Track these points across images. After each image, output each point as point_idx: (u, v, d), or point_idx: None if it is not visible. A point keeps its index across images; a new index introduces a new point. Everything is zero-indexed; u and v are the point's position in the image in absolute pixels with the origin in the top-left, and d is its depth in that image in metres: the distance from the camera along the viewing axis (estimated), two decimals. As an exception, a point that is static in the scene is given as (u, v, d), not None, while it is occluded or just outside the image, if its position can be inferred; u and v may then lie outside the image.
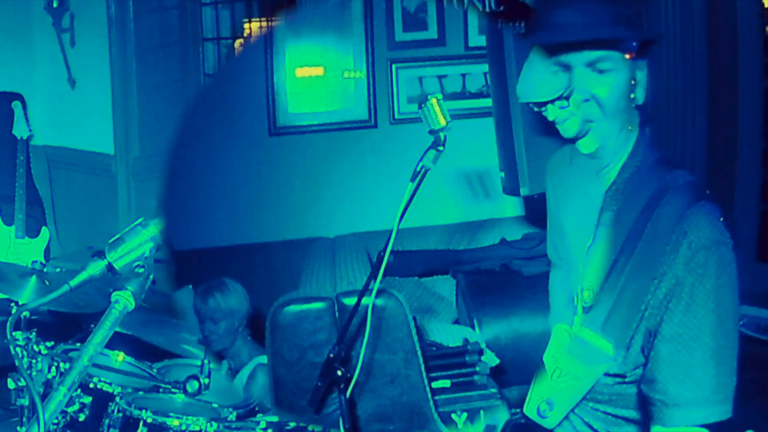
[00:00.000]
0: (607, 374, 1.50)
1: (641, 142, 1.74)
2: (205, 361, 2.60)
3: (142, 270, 1.20)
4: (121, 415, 2.43)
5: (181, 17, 4.54)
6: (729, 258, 1.36)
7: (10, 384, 2.57)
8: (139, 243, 1.19)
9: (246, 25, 4.69)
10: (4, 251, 4.45)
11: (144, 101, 4.49)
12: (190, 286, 3.72)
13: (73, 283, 1.20)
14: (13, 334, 2.19)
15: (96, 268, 1.19)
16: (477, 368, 3.46)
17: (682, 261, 1.36)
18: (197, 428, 2.32)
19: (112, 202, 4.56)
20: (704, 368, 1.34)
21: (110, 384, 2.59)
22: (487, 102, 3.99)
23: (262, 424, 2.43)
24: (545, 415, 1.63)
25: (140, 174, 4.49)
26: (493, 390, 3.33)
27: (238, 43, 4.64)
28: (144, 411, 2.37)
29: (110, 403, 2.51)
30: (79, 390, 2.48)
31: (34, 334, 2.62)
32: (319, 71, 4.44)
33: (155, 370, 2.86)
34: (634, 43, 1.61)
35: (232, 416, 2.52)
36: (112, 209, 4.58)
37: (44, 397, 1.32)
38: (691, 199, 1.44)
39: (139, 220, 1.22)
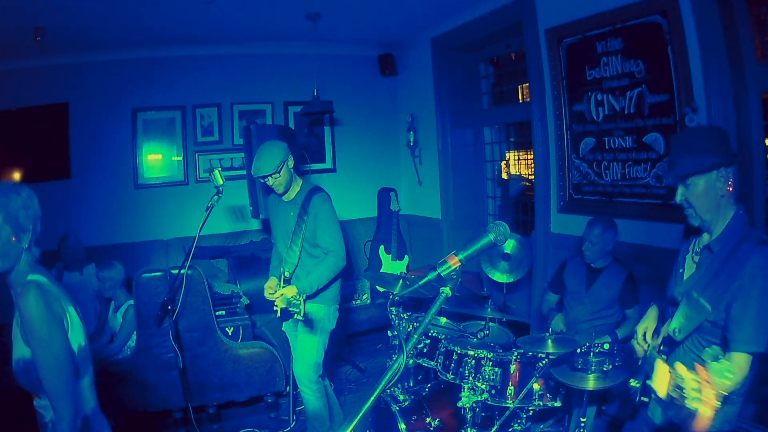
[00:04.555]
0: (707, 321, 2.04)
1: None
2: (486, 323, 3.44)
3: (454, 276, 1.44)
4: (444, 348, 3.21)
5: (475, 149, 6.19)
6: None
7: (390, 333, 3.74)
8: (450, 265, 1.45)
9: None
10: (386, 267, 6.07)
11: (455, 192, 6.04)
12: (93, 264, 4.90)
13: (420, 283, 1.57)
14: (391, 308, 3.51)
15: (432, 275, 1.47)
16: (238, 305, 4.46)
17: (747, 273, 1.92)
18: (482, 356, 2.99)
19: (440, 243, 6.12)
20: (750, 325, 1.90)
21: (438, 333, 3.37)
22: (243, 172, 5.69)
23: (515, 355, 2.97)
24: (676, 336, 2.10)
25: (454, 228, 6.05)
26: (246, 316, 4.32)
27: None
28: (456, 347, 3.13)
29: (439, 343, 3.30)
30: (423, 336, 3.34)
31: (401, 308, 3.58)
32: (159, 156, 6.03)
33: (461, 326, 3.66)
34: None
35: (499, 350, 3.12)
36: (439, 246, 6.09)
37: (406, 339, 1.62)
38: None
39: (453, 252, 1.48)
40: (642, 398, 1.92)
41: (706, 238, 2.17)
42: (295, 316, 2.90)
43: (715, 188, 2.06)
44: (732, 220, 2.08)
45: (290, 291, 3.13)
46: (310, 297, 3.37)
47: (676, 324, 2.08)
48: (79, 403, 2.01)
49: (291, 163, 3.39)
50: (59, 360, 1.86)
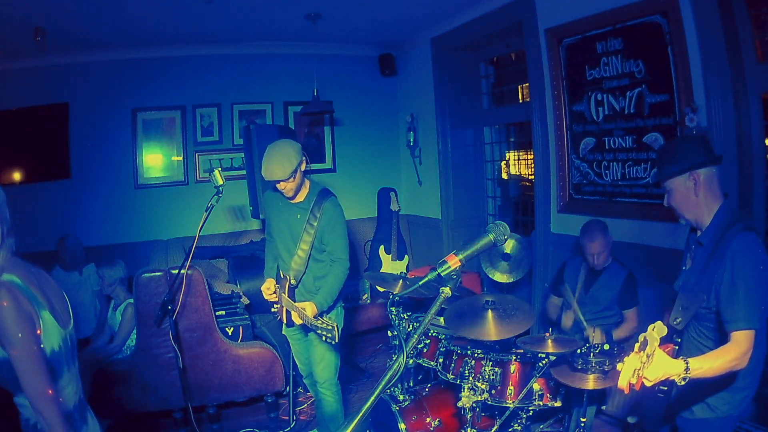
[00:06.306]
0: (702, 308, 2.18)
1: None
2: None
3: (454, 276, 1.46)
4: (444, 348, 3.24)
5: (474, 149, 6.25)
6: (753, 259, 2.02)
7: (390, 333, 3.85)
8: (450, 265, 1.46)
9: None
10: (386, 267, 6.17)
11: (455, 192, 6.14)
12: (93, 264, 5.02)
13: (421, 283, 1.57)
14: (391, 308, 3.62)
15: (432, 275, 1.48)
16: (238, 306, 4.49)
17: (728, 258, 2.04)
18: (482, 356, 3.02)
19: (440, 243, 6.29)
20: (740, 306, 1.98)
21: (438, 333, 3.40)
22: (243, 172, 5.62)
23: (515, 355, 2.99)
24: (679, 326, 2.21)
25: (454, 228, 6.19)
26: (246, 316, 4.36)
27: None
28: (456, 347, 3.17)
29: (439, 343, 3.34)
30: (423, 336, 3.38)
31: (401, 308, 3.62)
32: (159, 156, 6.09)
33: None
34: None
35: (499, 350, 3.17)
36: (439, 246, 6.26)
37: (406, 339, 1.72)
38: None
39: (453, 252, 1.49)
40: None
41: (698, 233, 2.32)
42: (326, 340, 2.83)
43: (687, 189, 2.24)
44: (717, 213, 2.22)
45: (310, 309, 3.11)
46: (324, 312, 3.36)
47: (675, 314, 2.22)
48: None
49: (304, 166, 3.28)
50: (34, 360, 1.75)
